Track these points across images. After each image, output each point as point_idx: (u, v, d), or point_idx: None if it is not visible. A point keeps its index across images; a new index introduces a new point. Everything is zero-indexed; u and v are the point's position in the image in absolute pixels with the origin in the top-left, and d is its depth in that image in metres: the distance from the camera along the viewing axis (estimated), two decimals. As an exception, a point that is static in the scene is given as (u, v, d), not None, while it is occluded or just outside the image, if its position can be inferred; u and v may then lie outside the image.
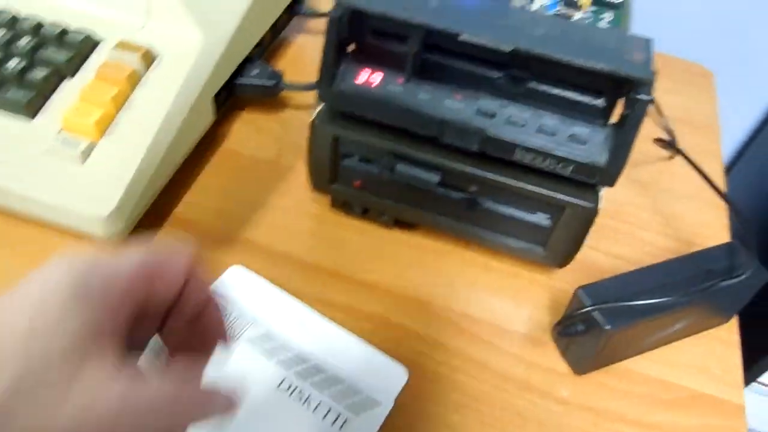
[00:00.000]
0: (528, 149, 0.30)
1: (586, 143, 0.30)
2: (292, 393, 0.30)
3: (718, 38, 0.64)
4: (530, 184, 0.32)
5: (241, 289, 0.35)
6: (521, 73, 0.30)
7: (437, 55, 0.31)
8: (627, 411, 0.32)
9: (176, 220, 0.38)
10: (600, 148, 0.30)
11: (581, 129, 0.30)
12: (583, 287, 0.32)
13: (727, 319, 0.36)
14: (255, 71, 0.42)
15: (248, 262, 0.36)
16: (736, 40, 0.64)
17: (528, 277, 0.38)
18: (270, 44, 0.47)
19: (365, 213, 0.38)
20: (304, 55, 0.50)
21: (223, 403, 0.19)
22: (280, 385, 0.31)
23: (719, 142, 0.49)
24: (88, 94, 0.35)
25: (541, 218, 0.34)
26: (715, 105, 0.52)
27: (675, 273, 0.33)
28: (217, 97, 0.40)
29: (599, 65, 0.26)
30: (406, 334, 0.34)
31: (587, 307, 0.31)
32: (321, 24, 0.52)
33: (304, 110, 0.46)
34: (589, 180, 0.31)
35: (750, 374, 0.58)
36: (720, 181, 0.45)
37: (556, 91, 0.30)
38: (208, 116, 0.40)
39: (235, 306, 0.33)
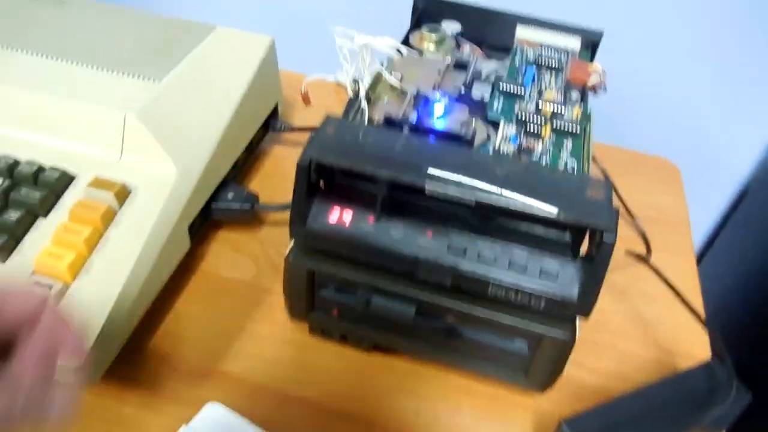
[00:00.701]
0: (499, 286, 0.30)
1: (557, 278, 0.30)
2: None
3: (680, 133, 0.66)
4: (506, 316, 0.32)
5: (217, 428, 0.34)
6: (488, 212, 0.30)
7: (406, 196, 0.31)
8: None
9: (151, 354, 0.37)
10: (571, 283, 0.30)
11: (551, 263, 0.30)
12: (567, 421, 0.31)
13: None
14: (230, 194, 0.43)
15: (226, 397, 0.35)
16: (697, 134, 0.66)
17: (511, 400, 0.37)
18: (245, 164, 0.48)
19: (344, 339, 0.38)
20: (279, 169, 0.51)
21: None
22: None
23: (690, 238, 0.50)
24: (60, 236, 0.35)
25: (520, 346, 0.34)
26: (684, 200, 0.53)
27: (656, 399, 0.32)
28: (192, 226, 0.40)
29: (563, 216, 0.27)
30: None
31: (571, 443, 0.30)
32: (295, 137, 0.53)
33: (281, 227, 0.46)
34: (563, 313, 0.31)
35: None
36: (693, 284, 0.45)
37: (523, 226, 0.31)
38: (183, 245, 0.40)
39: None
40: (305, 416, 0.35)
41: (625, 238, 0.47)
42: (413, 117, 0.34)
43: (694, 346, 0.41)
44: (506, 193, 0.27)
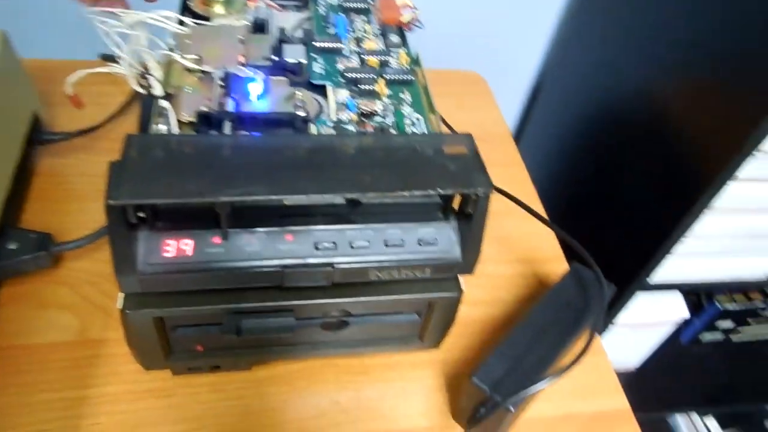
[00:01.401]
0: (381, 268, 0.28)
1: (436, 243, 0.28)
2: None
3: (474, 43, 0.67)
4: (392, 295, 0.29)
5: None
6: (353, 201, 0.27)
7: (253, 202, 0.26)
8: (546, 466, 0.33)
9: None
10: (451, 244, 0.28)
11: (427, 231, 0.28)
12: (476, 374, 0.31)
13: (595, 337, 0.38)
14: (12, 245, 0.33)
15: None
16: (489, 42, 0.68)
17: (409, 363, 0.36)
18: (17, 197, 0.37)
19: (216, 368, 0.33)
20: (64, 189, 0.41)
21: None
22: None
23: (515, 147, 0.52)
24: None
25: (411, 316, 0.32)
26: (498, 110, 0.54)
27: (543, 321, 0.33)
28: (-27, 302, 0.31)
29: (443, 190, 0.24)
30: (315, 492, 0.30)
31: (488, 396, 0.30)
32: (73, 143, 0.43)
33: (91, 261, 0.38)
34: (450, 275, 0.29)
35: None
36: (530, 190, 0.47)
37: (390, 201, 0.28)
38: (-32, 330, 0.30)
39: None
40: (202, 472, 0.30)
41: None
42: (230, 105, 0.28)
43: (550, 249, 0.44)
44: (374, 182, 0.24)
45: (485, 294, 0.40)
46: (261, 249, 0.26)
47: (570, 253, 0.40)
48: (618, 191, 0.58)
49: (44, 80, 0.41)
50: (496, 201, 0.46)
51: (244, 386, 0.34)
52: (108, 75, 0.31)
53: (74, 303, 0.36)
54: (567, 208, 0.68)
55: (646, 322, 0.70)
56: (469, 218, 0.27)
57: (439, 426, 0.34)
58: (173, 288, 0.26)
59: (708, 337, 0.85)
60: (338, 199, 0.23)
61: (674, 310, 0.69)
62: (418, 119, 0.30)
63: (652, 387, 0.80)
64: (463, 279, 0.31)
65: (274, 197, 0.22)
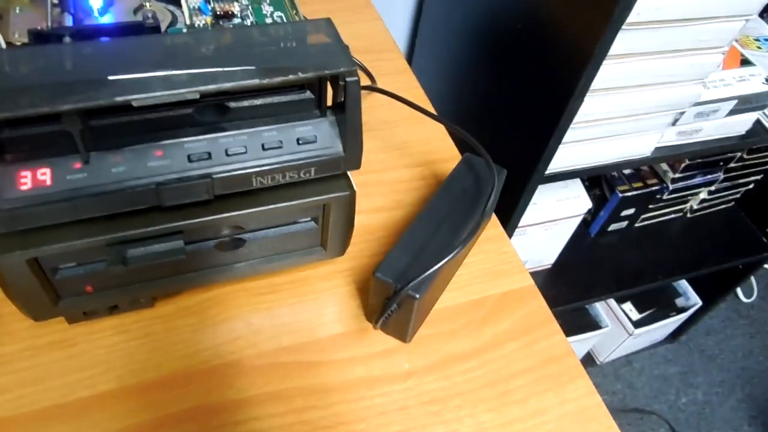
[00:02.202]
0: (263, 173, 0.27)
1: (316, 140, 0.27)
2: None
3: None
4: (282, 202, 0.29)
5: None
6: (215, 100, 0.25)
7: (109, 118, 0.24)
8: (463, 346, 0.34)
9: None
10: (331, 139, 0.28)
11: (304, 128, 0.27)
12: (379, 269, 0.31)
13: (489, 218, 0.39)
14: None
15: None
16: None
17: (317, 275, 0.36)
18: None
19: (115, 308, 0.32)
20: None
21: None
22: None
23: (402, 55, 0.51)
24: None
25: (308, 223, 0.31)
26: (381, 20, 0.53)
27: (440, 211, 0.34)
28: None
29: (304, 74, 0.23)
30: (235, 409, 0.30)
31: (394, 288, 0.30)
32: None
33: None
34: (337, 171, 0.29)
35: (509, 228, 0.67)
36: (420, 95, 0.47)
37: (260, 102, 0.27)
38: None
39: None
40: (118, 412, 0.29)
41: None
42: (68, 22, 0.26)
43: (446, 150, 0.44)
44: (230, 73, 0.22)
45: (386, 200, 0.40)
46: (129, 168, 0.25)
47: (465, 151, 0.41)
48: (505, 93, 0.59)
49: None
50: (388, 109, 0.46)
51: (151, 323, 0.33)
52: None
53: (-53, 270, 0.33)
54: (460, 115, 0.69)
55: (555, 218, 0.73)
56: (343, 109, 0.27)
57: (355, 330, 0.34)
58: (39, 223, 0.25)
59: (614, 226, 0.90)
60: (193, 95, 0.22)
61: (578, 202, 0.73)
62: (280, 17, 0.29)
63: (568, 280, 0.85)
64: (352, 177, 0.31)
65: (119, 99, 0.21)
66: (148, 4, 0.27)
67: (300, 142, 0.27)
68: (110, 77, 0.21)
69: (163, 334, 0.32)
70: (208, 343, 0.32)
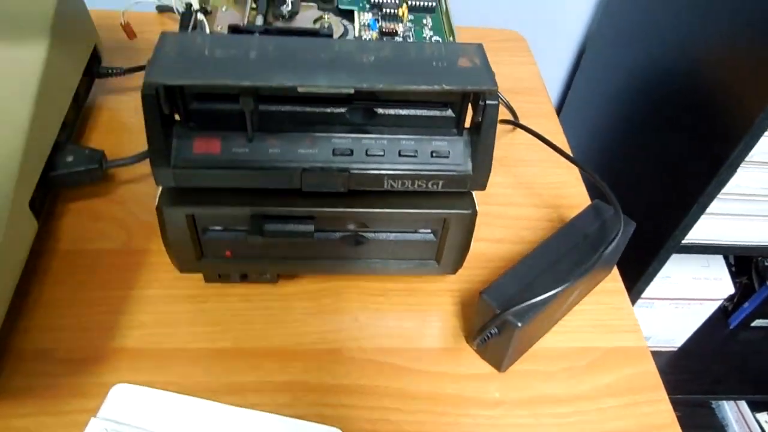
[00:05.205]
0: (395, 177, 0.29)
1: (449, 156, 0.29)
2: None
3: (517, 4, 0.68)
4: (407, 209, 0.31)
5: (132, 408, 0.30)
6: (366, 104, 0.28)
7: (276, 106, 0.28)
8: (559, 390, 0.34)
9: (30, 354, 0.32)
10: (463, 157, 0.29)
11: (440, 143, 0.29)
12: (486, 291, 0.32)
13: (610, 270, 0.38)
14: (69, 158, 0.37)
15: (131, 374, 0.32)
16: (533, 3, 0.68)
17: (427, 289, 0.37)
18: (77, 120, 0.41)
19: (245, 278, 0.35)
20: (118, 121, 0.45)
21: None
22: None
23: (549, 100, 0.52)
24: None
25: (426, 235, 0.33)
26: (536, 67, 0.55)
27: (557, 251, 0.34)
28: (33, 202, 0.34)
29: (448, 86, 0.26)
30: (328, 391, 0.32)
31: (496, 312, 0.31)
32: (127, 81, 0.47)
33: (140, 182, 0.41)
34: (461, 189, 0.30)
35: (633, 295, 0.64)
36: (561, 140, 0.48)
37: (404, 112, 0.29)
38: (29, 229, 0.34)
39: (132, 430, 0.29)
40: (228, 368, 0.33)
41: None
42: (260, 21, 0.31)
43: (577, 197, 0.44)
44: (383, 76, 0.25)
45: (508, 233, 0.41)
46: (283, 151, 0.29)
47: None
48: (651, 152, 0.57)
49: (100, 28, 0.44)
50: (527, 148, 0.46)
51: (272, 299, 0.36)
52: (161, 18, 0.34)
53: (123, 218, 0.39)
54: (600, 169, 0.68)
55: (688, 297, 0.68)
56: (479, 130, 0.28)
57: (453, 348, 0.35)
58: (202, 183, 0.29)
59: (759, 322, 0.82)
60: (347, 90, 0.25)
61: (719, 284, 0.67)
62: (438, 41, 0.32)
63: (694, 369, 0.78)
64: (477, 197, 0.32)
65: (288, 84, 0.24)
66: (326, 16, 0.31)
67: (434, 155, 0.29)
68: (284, 66, 0.25)
69: (280, 311, 0.36)
70: (316, 328, 0.35)
